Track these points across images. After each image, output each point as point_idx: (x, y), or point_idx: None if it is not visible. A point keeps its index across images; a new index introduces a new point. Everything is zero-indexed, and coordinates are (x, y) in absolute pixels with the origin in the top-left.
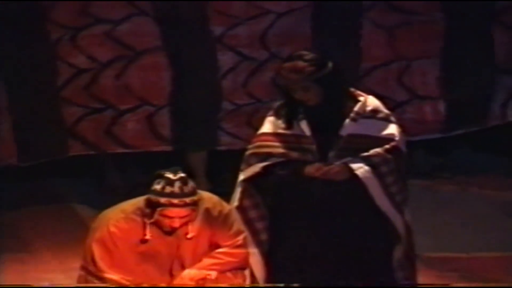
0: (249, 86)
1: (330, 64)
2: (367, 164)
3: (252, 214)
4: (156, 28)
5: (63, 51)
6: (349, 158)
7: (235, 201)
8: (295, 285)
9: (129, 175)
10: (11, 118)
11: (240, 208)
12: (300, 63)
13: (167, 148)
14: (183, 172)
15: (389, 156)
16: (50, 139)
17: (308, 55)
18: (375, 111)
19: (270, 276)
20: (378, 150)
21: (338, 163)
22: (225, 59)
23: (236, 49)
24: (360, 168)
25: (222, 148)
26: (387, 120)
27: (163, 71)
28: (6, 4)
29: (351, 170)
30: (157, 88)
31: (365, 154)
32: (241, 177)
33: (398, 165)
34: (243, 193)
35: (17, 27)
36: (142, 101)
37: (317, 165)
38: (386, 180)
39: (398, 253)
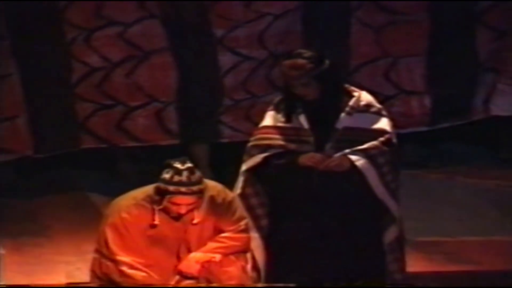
0: (248, 84)
1: (327, 62)
2: (365, 156)
3: (254, 201)
4: (163, 30)
5: (77, 50)
6: (347, 151)
7: (237, 189)
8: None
9: (139, 165)
10: (28, 112)
11: (242, 195)
12: (300, 61)
13: (175, 141)
14: (190, 162)
15: (384, 148)
16: (64, 132)
17: (307, 53)
18: (368, 105)
19: (270, 259)
20: (374, 143)
21: (338, 155)
22: (226, 59)
23: (235, 50)
24: (359, 160)
25: (224, 140)
26: (379, 114)
27: (170, 70)
28: (25, 5)
29: (351, 162)
30: (164, 85)
31: (363, 147)
32: (244, 167)
33: (392, 156)
34: (245, 181)
35: (34, 27)
36: (151, 98)
37: (311, 154)
38: (383, 170)
39: (389, 237)
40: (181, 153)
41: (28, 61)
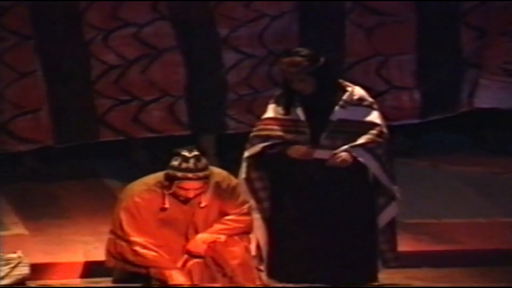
0: (250, 80)
1: (322, 59)
2: (366, 150)
3: (257, 184)
4: (173, 30)
5: (96, 49)
6: (346, 146)
7: (242, 174)
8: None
9: (151, 153)
10: (49, 106)
11: (247, 179)
12: (297, 58)
13: (186, 132)
14: (197, 150)
15: (380, 140)
16: (83, 125)
17: (304, 51)
18: (361, 99)
19: (271, 239)
20: (370, 136)
21: (340, 149)
22: (229, 57)
23: (238, 48)
24: (362, 155)
25: (229, 132)
26: (371, 108)
27: (179, 67)
28: (49, 8)
29: (354, 157)
30: (175, 81)
31: (361, 141)
32: (246, 154)
33: (387, 146)
34: (249, 167)
35: (57, 28)
36: (164, 92)
37: (297, 147)
38: (382, 160)
39: (384, 219)
40: (190, 143)
41: (50, 59)
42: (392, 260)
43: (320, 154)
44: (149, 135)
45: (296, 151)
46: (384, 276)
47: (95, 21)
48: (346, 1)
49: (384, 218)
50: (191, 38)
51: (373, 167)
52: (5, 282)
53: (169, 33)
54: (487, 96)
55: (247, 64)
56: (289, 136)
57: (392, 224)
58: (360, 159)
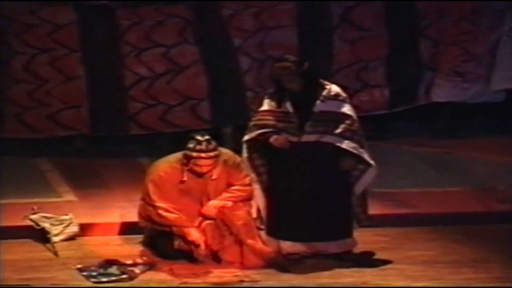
0: (260, 79)
1: (306, 64)
2: (343, 138)
3: (257, 162)
4: (196, 49)
5: (130, 63)
6: (329, 136)
7: (245, 154)
8: None
9: (173, 137)
10: (89, 104)
11: (249, 158)
12: (287, 63)
13: (207, 126)
14: (209, 135)
15: (353, 128)
16: (115, 121)
17: (291, 58)
18: (337, 95)
19: (268, 204)
20: (345, 126)
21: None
22: (243, 62)
23: (250, 54)
24: (340, 142)
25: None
26: (344, 101)
27: (202, 75)
28: (94, 26)
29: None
30: (198, 87)
31: (339, 131)
32: (245, 138)
33: (359, 130)
34: (249, 148)
35: (99, 43)
36: (187, 97)
37: (275, 137)
38: (357, 141)
39: (361, 186)
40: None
41: (93, 68)
42: (364, 220)
43: (306, 138)
44: (173, 130)
45: (276, 140)
46: (357, 233)
47: (132, 40)
48: (334, 19)
49: (362, 184)
50: (211, 50)
51: (351, 147)
52: (59, 238)
53: (193, 51)
54: (443, 92)
55: (256, 67)
56: (281, 125)
57: (364, 193)
58: (340, 145)
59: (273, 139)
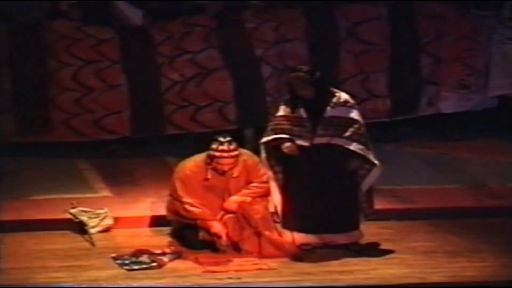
0: (279, 86)
1: (318, 73)
2: (352, 140)
3: (273, 161)
4: (221, 55)
5: (164, 70)
6: (338, 139)
7: (263, 154)
8: None
9: (196, 138)
10: (130, 109)
11: (267, 158)
12: (300, 73)
13: (233, 127)
14: (234, 139)
15: (360, 131)
16: (154, 123)
17: (304, 68)
18: (345, 101)
19: (284, 200)
20: (353, 130)
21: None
22: (265, 70)
23: (271, 64)
24: (349, 145)
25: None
26: (352, 107)
27: (227, 80)
28: (132, 40)
29: (347, 148)
30: (223, 91)
31: (348, 134)
32: (262, 140)
33: (366, 133)
34: (266, 149)
35: (137, 55)
36: (214, 99)
37: (286, 144)
38: (364, 143)
39: (367, 183)
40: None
41: (132, 77)
42: (371, 214)
43: (318, 140)
44: (203, 130)
45: (286, 148)
46: (364, 226)
47: (165, 51)
48: (340, 33)
49: (368, 182)
50: (235, 58)
51: (358, 149)
52: (95, 230)
53: (217, 57)
54: (450, 104)
55: (276, 75)
56: (295, 129)
57: (370, 190)
58: (348, 147)
59: (284, 146)
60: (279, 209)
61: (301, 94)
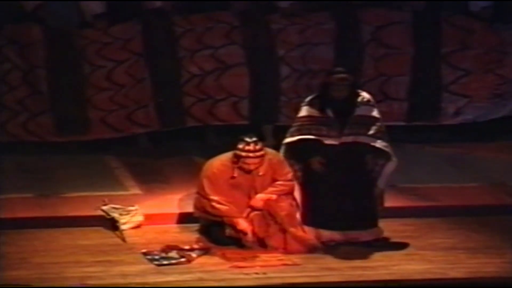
0: (297, 87)
1: (353, 76)
2: (376, 138)
3: (292, 161)
4: (242, 52)
5: (185, 63)
6: (363, 137)
7: (283, 153)
8: None
9: (223, 138)
10: (154, 102)
11: (287, 158)
12: (344, 75)
13: (245, 123)
14: (256, 136)
15: (382, 129)
16: (175, 115)
17: (344, 70)
18: (368, 100)
19: (304, 198)
20: (376, 128)
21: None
22: (284, 70)
23: (290, 65)
24: (373, 142)
25: (280, 124)
26: (374, 106)
27: (244, 77)
28: (154, 33)
29: (372, 145)
30: (240, 86)
31: (372, 132)
32: (285, 141)
33: (385, 131)
34: (288, 149)
35: (159, 50)
36: (230, 94)
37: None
38: (385, 140)
39: (381, 183)
40: (252, 130)
41: (155, 70)
42: (381, 211)
43: (344, 139)
44: (219, 123)
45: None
46: (387, 223)
47: (186, 44)
48: (364, 37)
49: (384, 177)
50: (257, 56)
51: (383, 146)
52: (126, 226)
53: (239, 54)
54: (484, 113)
55: (294, 76)
56: (323, 129)
57: (383, 190)
58: (374, 144)
59: (311, 161)
60: (300, 206)
61: (335, 95)
